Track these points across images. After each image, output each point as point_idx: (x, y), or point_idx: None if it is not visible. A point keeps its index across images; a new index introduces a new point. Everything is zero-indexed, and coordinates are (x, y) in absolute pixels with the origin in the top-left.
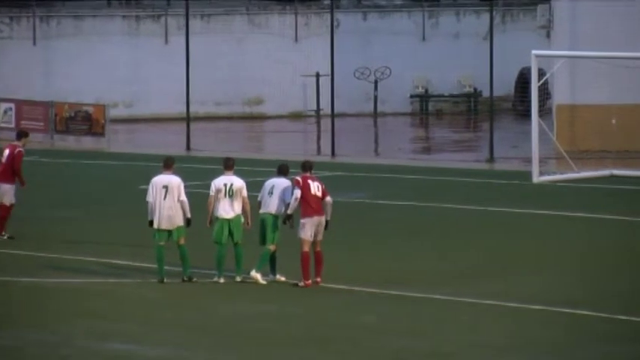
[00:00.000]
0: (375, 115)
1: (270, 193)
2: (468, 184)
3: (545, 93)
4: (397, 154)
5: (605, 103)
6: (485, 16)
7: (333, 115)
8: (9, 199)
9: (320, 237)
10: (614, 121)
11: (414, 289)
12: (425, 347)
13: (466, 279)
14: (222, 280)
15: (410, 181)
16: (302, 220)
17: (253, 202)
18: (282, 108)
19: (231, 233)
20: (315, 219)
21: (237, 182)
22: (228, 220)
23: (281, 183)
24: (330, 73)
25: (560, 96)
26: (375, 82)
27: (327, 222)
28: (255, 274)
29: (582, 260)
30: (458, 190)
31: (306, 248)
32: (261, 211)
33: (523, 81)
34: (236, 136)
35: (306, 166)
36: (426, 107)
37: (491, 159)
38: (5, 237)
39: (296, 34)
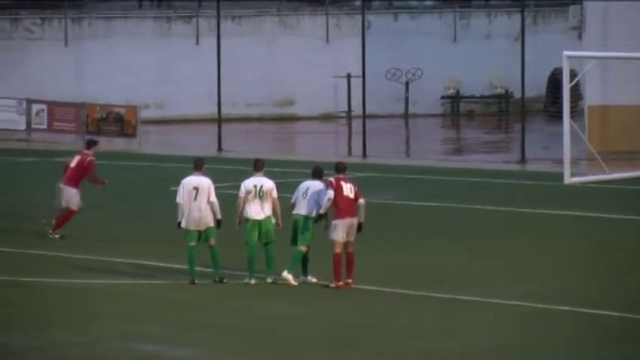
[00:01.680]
0: (406, 116)
1: (304, 194)
2: (498, 186)
3: (576, 94)
4: (428, 156)
5: (637, 104)
6: (517, 17)
7: (364, 116)
8: (76, 203)
9: (352, 238)
10: None
11: (444, 290)
12: (455, 348)
13: (495, 280)
14: (253, 282)
15: (441, 182)
16: (334, 222)
17: (285, 203)
18: (313, 109)
19: (261, 234)
20: (347, 220)
21: (267, 183)
22: (259, 222)
23: (315, 185)
24: (361, 74)
25: (591, 97)
26: (406, 84)
27: (360, 224)
28: (287, 275)
29: (612, 262)
30: (489, 191)
31: (338, 249)
32: (293, 212)
33: (555, 82)
34: (267, 137)
35: (339, 168)
36: (457, 108)
37: (522, 160)
38: (57, 236)
39: (327, 35)
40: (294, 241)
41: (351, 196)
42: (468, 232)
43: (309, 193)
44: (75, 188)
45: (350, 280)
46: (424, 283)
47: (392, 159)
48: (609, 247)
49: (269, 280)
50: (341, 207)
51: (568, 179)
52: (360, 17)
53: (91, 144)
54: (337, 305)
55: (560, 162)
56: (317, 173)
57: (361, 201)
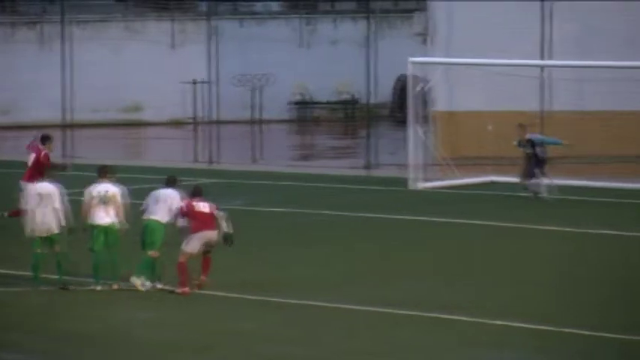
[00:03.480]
0: (254, 122)
1: (157, 201)
2: (346, 191)
3: (422, 100)
4: (276, 161)
5: (482, 110)
6: (363, 23)
7: (211, 122)
8: None
9: (210, 248)
10: (490, 128)
11: (292, 296)
12: (303, 354)
13: (343, 285)
14: (99, 288)
15: (289, 187)
16: (191, 235)
17: (134, 209)
18: (161, 115)
19: (106, 240)
20: (202, 234)
21: (112, 189)
22: (104, 227)
23: (169, 193)
24: (207, 79)
25: (437, 103)
26: (254, 89)
27: (230, 235)
28: (135, 281)
29: (458, 265)
30: (336, 196)
31: (182, 259)
32: (144, 216)
33: (400, 88)
34: (115, 143)
35: (195, 192)
36: (304, 114)
37: (368, 166)
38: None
39: (173, 41)
40: (144, 247)
41: (206, 210)
42: (316, 237)
43: (161, 200)
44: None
45: (204, 277)
46: (272, 289)
47: (240, 165)
48: (455, 252)
49: (115, 286)
50: (196, 222)
51: (414, 184)
52: (206, 22)
53: (45, 139)
54: (184, 311)
55: (406, 167)
56: (170, 181)
57: (219, 213)
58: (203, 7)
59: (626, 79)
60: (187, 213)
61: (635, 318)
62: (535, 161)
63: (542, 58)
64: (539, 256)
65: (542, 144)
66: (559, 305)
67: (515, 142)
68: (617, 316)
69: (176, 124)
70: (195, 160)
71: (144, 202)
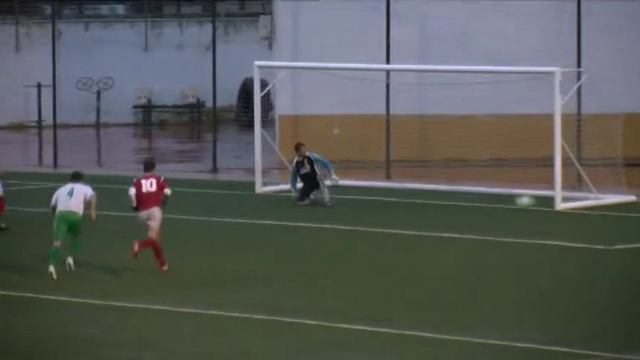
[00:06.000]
0: (98, 125)
1: (70, 194)
2: (191, 195)
3: (267, 104)
4: (120, 165)
5: (327, 114)
6: (208, 27)
7: (55, 126)
8: None
9: (154, 224)
10: (336, 132)
11: (138, 300)
12: (150, 358)
13: (190, 289)
14: None
15: None
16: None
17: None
18: (4, 118)
19: None
20: (144, 213)
21: None
22: None
23: (79, 187)
24: (52, 83)
25: (282, 107)
26: (98, 93)
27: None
28: (71, 262)
29: (303, 269)
30: (181, 200)
31: (148, 235)
32: (59, 209)
33: (246, 92)
34: None
35: (147, 166)
36: (149, 118)
37: (214, 170)
38: (2, 226)
39: (17, 44)
40: (58, 235)
41: (152, 189)
42: (162, 242)
43: (75, 192)
44: None
45: (164, 267)
46: (118, 294)
47: (85, 168)
48: (303, 256)
49: None
50: (140, 201)
51: (260, 188)
52: (50, 26)
53: None
54: (29, 316)
55: (252, 171)
56: (77, 176)
57: (167, 191)
58: (48, 10)
59: (462, 84)
60: (136, 191)
61: (459, 318)
62: (313, 179)
63: (387, 61)
64: (382, 258)
65: (318, 162)
66: (401, 307)
67: (293, 165)
68: (455, 316)
69: (19, 127)
70: (40, 164)
71: (53, 198)
